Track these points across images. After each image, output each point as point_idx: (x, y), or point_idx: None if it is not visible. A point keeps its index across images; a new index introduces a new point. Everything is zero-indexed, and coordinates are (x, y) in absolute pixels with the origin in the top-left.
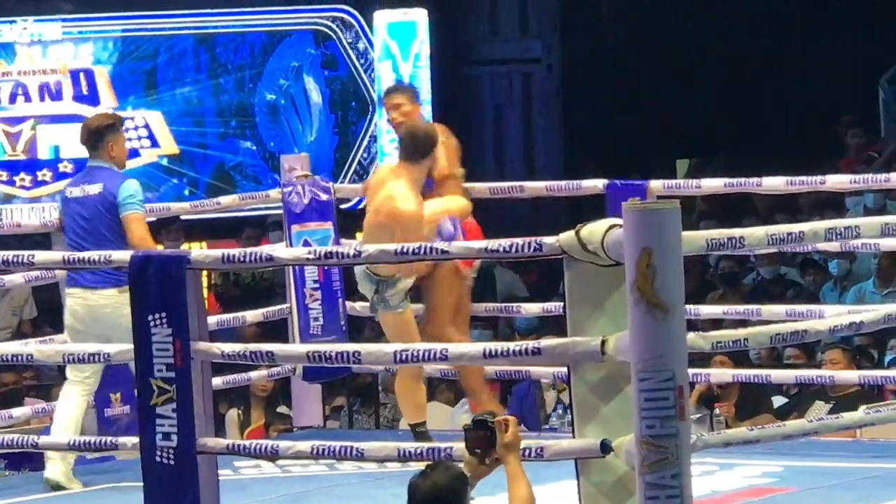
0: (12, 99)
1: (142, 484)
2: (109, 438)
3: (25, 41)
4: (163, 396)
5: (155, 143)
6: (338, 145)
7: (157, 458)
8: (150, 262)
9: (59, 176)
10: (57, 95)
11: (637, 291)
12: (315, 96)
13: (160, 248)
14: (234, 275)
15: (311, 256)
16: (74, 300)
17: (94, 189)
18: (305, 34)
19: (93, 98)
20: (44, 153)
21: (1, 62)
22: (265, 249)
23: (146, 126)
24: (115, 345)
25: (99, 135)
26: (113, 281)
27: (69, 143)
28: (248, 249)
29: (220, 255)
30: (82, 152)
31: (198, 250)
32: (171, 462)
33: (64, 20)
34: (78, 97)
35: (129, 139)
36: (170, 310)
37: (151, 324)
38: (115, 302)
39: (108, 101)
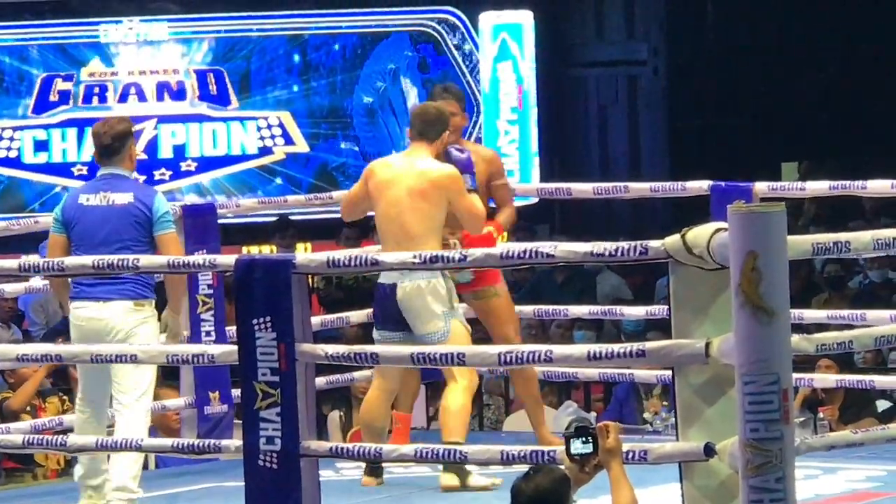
0: (123, 98)
1: (243, 484)
2: (213, 441)
3: (131, 41)
4: (267, 400)
5: (290, 141)
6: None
7: (261, 462)
8: (255, 267)
9: (179, 174)
10: (179, 95)
11: (742, 295)
12: (412, 98)
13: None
14: (337, 277)
15: (415, 261)
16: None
17: (122, 199)
18: (402, 36)
19: (222, 98)
20: (165, 152)
21: (97, 62)
22: (371, 254)
23: (280, 125)
24: (219, 346)
25: (121, 141)
26: (129, 293)
27: (193, 142)
28: (354, 253)
29: (325, 260)
30: (207, 151)
31: (303, 254)
32: (275, 466)
33: (170, 20)
34: (204, 97)
35: (262, 137)
36: (275, 314)
37: (256, 328)
38: (128, 317)
39: (234, 101)
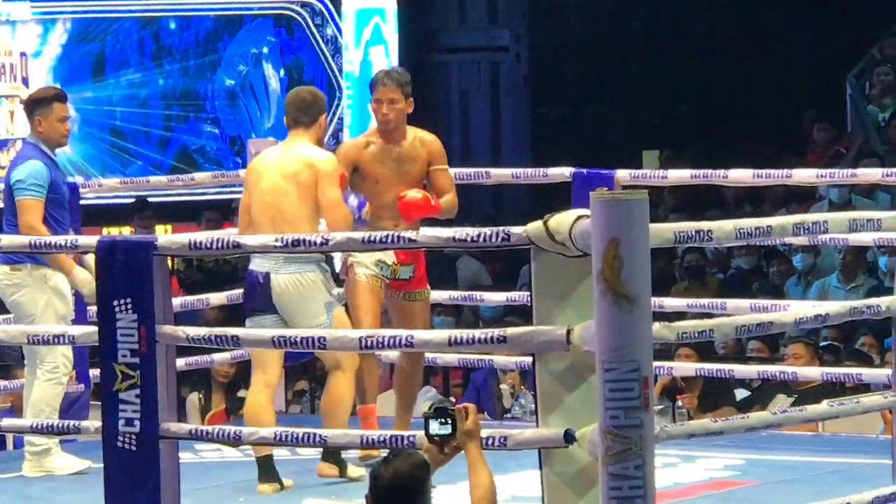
0: None
1: (102, 465)
2: (72, 422)
3: None
4: (126, 382)
5: None
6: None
7: (119, 444)
8: (116, 248)
9: None
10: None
11: (603, 282)
12: (273, 83)
13: (127, 232)
14: (197, 259)
15: (277, 244)
16: None
17: (6, 170)
18: (265, 20)
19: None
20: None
21: None
22: (233, 237)
23: None
24: (79, 326)
25: (28, 109)
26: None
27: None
28: (216, 236)
29: (187, 242)
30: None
31: (164, 236)
32: (133, 447)
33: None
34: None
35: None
36: (136, 295)
37: (116, 309)
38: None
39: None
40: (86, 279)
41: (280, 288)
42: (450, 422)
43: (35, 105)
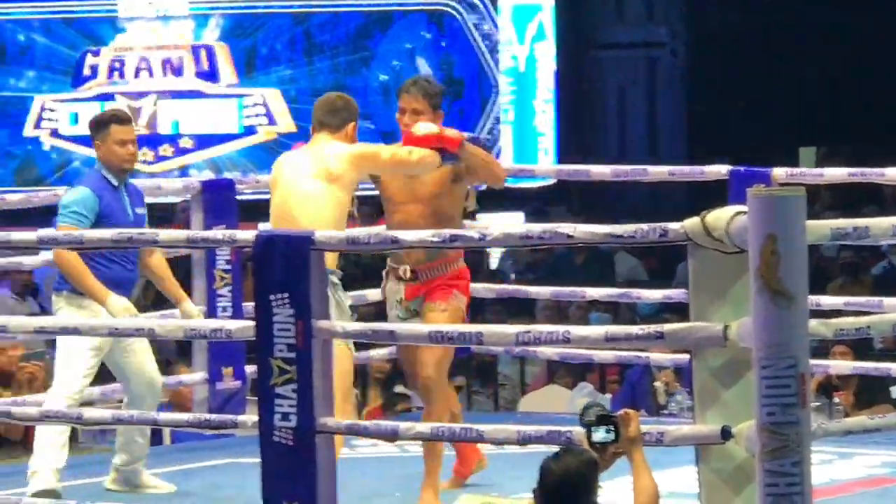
0: (137, 73)
1: (259, 460)
2: (230, 417)
3: (150, 16)
4: (283, 377)
5: (272, 122)
6: (446, 125)
7: (276, 438)
8: (274, 243)
9: (180, 151)
10: (178, 71)
11: (760, 279)
12: None
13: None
14: (354, 255)
15: (435, 239)
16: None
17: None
18: (419, 15)
19: (212, 74)
20: (164, 128)
21: (122, 37)
22: (390, 232)
23: (264, 104)
24: (236, 321)
25: (90, 132)
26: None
27: (188, 119)
28: (373, 231)
29: (344, 237)
30: (202, 128)
31: (322, 231)
32: (290, 442)
33: None
34: (200, 74)
35: (248, 116)
36: (292, 290)
37: (273, 304)
38: (53, 307)
39: (228, 78)
40: (120, 307)
41: None
42: (613, 429)
43: (93, 128)
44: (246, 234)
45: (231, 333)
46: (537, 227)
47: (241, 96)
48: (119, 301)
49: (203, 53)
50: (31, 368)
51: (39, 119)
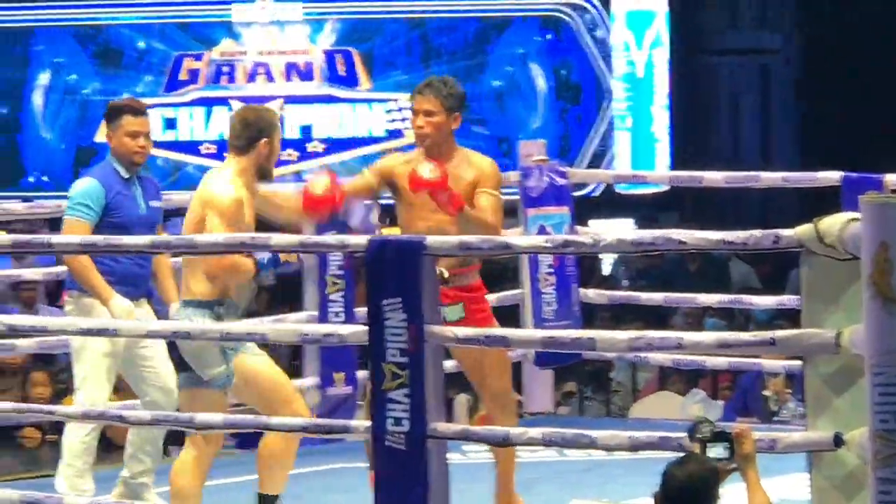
0: (252, 78)
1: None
2: (342, 422)
3: (263, 21)
4: (395, 381)
5: None
6: (562, 133)
7: (388, 443)
8: (387, 248)
9: (306, 156)
10: (306, 76)
11: (873, 286)
12: (540, 83)
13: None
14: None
15: (548, 245)
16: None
17: None
18: (532, 21)
19: (350, 79)
20: (292, 133)
21: (229, 41)
22: (502, 237)
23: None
24: (348, 325)
25: (105, 121)
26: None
27: (320, 123)
28: (486, 237)
29: (457, 242)
30: (333, 132)
31: (433, 237)
32: (402, 447)
33: (304, 1)
34: (333, 78)
35: (392, 120)
36: (405, 295)
37: (386, 308)
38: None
39: (364, 83)
40: (122, 309)
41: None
42: (729, 445)
43: (107, 117)
44: (358, 240)
45: (344, 338)
46: (649, 234)
47: (384, 100)
48: (122, 303)
49: (339, 58)
50: None
51: None
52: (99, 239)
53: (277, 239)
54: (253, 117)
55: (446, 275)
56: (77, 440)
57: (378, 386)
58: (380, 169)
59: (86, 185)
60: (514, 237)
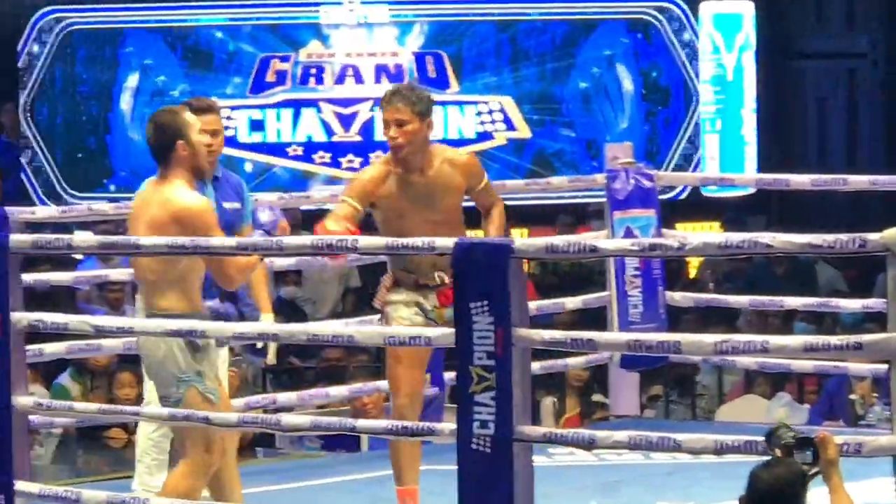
0: (341, 80)
1: (456, 467)
2: (427, 424)
3: (351, 23)
4: (482, 384)
5: (511, 127)
6: (649, 135)
7: (474, 446)
8: (474, 250)
9: None
10: (396, 78)
11: None
12: (627, 85)
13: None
14: (552, 263)
15: (634, 248)
16: None
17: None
18: (619, 23)
19: (441, 81)
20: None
21: (316, 43)
22: (589, 240)
23: (501, 110)
24: (435, 328)
25: None
26: None
27: None
28: (573, 239)
29: (543, 245)
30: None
31: (521, 239)
32: (488, 450)
33: (391, 3)
34: (423, 80)
35: (482, 122)
36: (492, 298)
37: (473, 312)
38: None
39: (453, 85)
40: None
41: (140, 342)
42: (812, 451)
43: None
44: (446, 241)
45: (431, 340)
46: (737, 237)
47: (474, 103)
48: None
49: (429, 60)
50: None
51: None
52: (186, 241)
53: (364, 241)
54: (159, 123)
55: (447, 280)
56: (144, 436)
57: (464, 389)
58: (359, 193)
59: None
60: (602, 240)
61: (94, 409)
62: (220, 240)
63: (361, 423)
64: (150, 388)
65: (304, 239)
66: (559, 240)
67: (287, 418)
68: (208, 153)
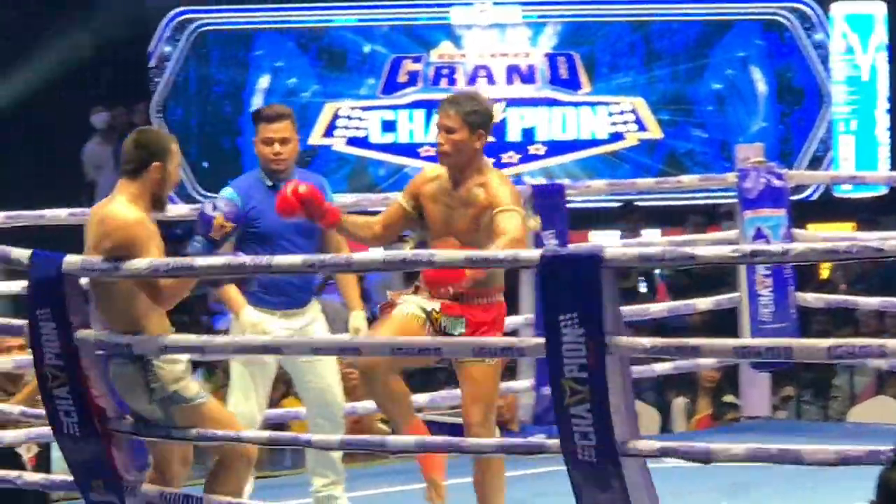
0: (471, 81)
1: None
2: (536, 442)
3: (482, 24)
4: (575, 397)
5: (643, 128)
6: (783, 136)
7: (580, 457)
8: (561, 261)
9: (527, 158)
10: (528, 78)
11: None
12: (760, 87)
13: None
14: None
15: (735, 255)
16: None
17: None
18: (753, 24)
19: (573, 82)
20: (514, 135)
21: (448, 44)
22: (686, 249)
23: (633, 111)
24: (529, 338)
25: None
26: None
27: (542, 126)
28: (668, 249)
29: (637, 254)
30: (556, 135)
31: (613, 248)
32: (593, 459)
33: (523, 4)
34: (555, 81)
35: (614, 123)
36: (582, 310)
37: (562, 324)
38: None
39: (586, 86)
40: (249, 323)
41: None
42: None
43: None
44: (530, 254)
45: (523, 351)
46: (844, 242)
47: (606, 104)
48: (249, 316)
49: (561, 61)
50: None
51: (332, 127)
52: (247, 259)
53: (441, 255)
54: (145, 140)
55: (451, 291)
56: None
57: (560, 402)
58: (408, 191)
59: (224, 192)
60: (700, 248)
61: None
62: (285, 258)
63: (469, 441)
64: (232, 397)
65: (376, 254)
66: (654, 249)
67: (393, 439)
68: (277, 160)
